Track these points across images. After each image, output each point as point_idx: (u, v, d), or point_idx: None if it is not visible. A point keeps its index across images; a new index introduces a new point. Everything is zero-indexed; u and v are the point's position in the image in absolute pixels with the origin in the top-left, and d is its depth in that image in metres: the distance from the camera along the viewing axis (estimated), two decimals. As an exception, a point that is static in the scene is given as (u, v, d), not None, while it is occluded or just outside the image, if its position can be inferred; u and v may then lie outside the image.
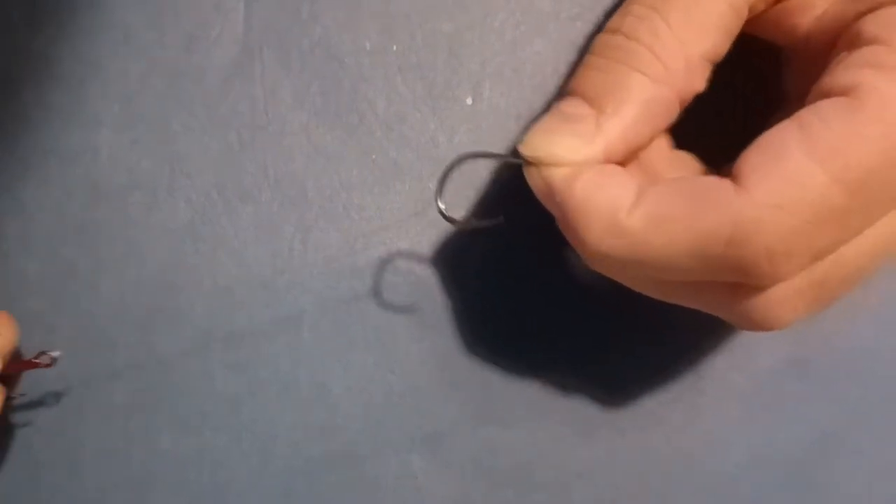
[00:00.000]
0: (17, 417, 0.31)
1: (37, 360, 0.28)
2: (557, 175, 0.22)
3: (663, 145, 0.25)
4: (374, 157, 0.30)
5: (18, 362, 0.28)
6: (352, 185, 0.30)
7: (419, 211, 0.30)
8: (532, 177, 0.23)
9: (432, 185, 0.30)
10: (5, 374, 0.28)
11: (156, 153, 0.31)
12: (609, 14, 0.30)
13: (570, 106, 0.23)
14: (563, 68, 0.30)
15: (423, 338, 0.30)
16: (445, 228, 0.30)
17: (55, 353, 0.28)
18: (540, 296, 0.30)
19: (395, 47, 0.30)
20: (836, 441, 0.30)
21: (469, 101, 0.30)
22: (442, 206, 0.24)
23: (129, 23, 0.30)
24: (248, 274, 0.30)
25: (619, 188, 0.22)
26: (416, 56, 0.30)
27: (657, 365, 0.31)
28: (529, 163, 0.23)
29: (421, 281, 0.30)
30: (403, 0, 0.30)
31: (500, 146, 0.30)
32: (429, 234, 0.30)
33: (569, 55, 0.30)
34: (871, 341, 0.29)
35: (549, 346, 0.30)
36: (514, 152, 0.24)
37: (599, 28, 0.30)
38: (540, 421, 0.31)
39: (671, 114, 0.23)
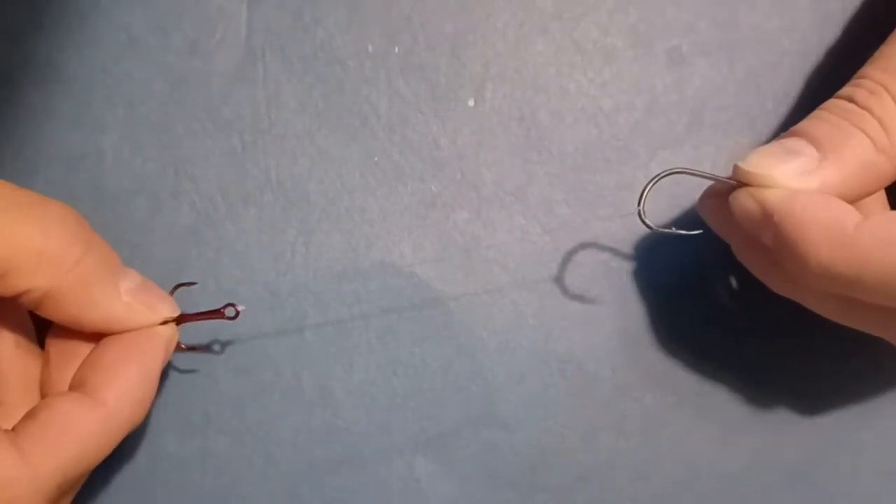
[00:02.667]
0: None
1: (222, 311, 0.28)
2: (774, 194, 0.23)
3: (879, 200, 0.27)
4: (376, 159, 0.30)
5: (203, 312, 0.28)
6: (354, 188, 0.30)
7: (422, 213, 0.30)
8: (742, 198, 0.24)
9: (434, 187, 0.30)
10: (187, 321, 0.27)
11: (160, 157, 0.31)
12: (611, 14, 0.30)
13: (795, 143, 0.24)
14: (565, 69, 0.30)
15: (426, 340, 0.30)
16: (446, 230, 0.30)
17: (241, 307, 0.27)
18: (540, 295, 0.30)
19: (397, 49, 0.30)
20: (838, 441, 0.30)
21: (471, 102, 0.30)
22: (644, 214, 0.25)
23: (134, 28, 0.31)
24: (252, 277, 0.30)
25: (842, 206, 0.23)
26: (418, 58, 0.30)
27: (660, 368, 0.30)
28: (741, 184, 0.24)
29: (423, 283, 0.30)
30: (405, 2, 0.30)
31: (502, 148, 0.30)
32: (431, 236, 0.30)
33: (571, 56, 0.30)
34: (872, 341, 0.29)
35: (551, 348, 0.30)
36: (716, 174, 0.25)
37: (601, 28, 0.30)
38: (543, 423, 0.30)
39: (884, 182, 0.24)
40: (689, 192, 0.30)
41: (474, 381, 0.31)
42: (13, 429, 0.24)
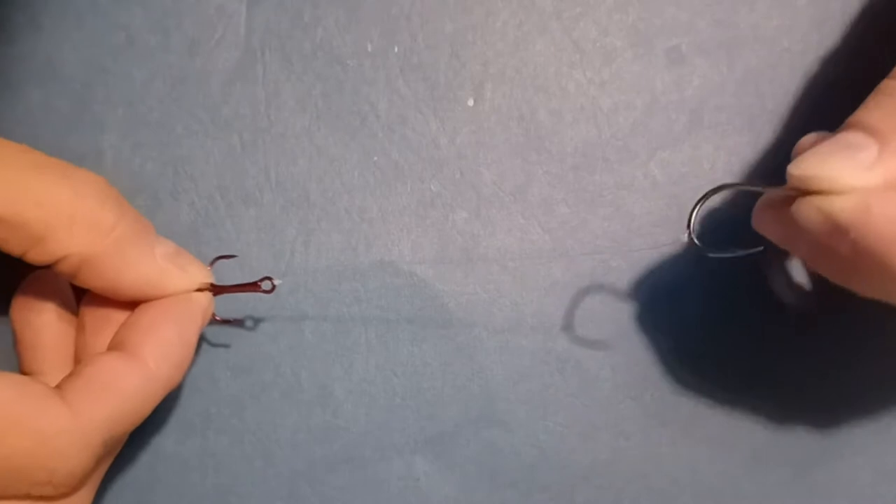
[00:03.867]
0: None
1: (259, 283, 0.28)
2: (845, 205, 0.21)
3: None
4: (375, 158, 0.30)
5: (239, 284, 0.28)
6: (354, 187, 0.30)
7: (421, 212, 0.30)
8: (807, 212, 0.22)
9: (434, 186, 0.30)
10: (223, 292, 0.27)
11: (159, 156, 0.31)
12: (610, 13, 0.30)
13: (850, 136, 0.22)
14: (565, 69, 0.30)
15: (426, 339, 0.30)
16: (446, 229, 0.30)
17: (277, 281, 0.28)
18: (540, 296, 0.30)
19: (396, 49, 0.30)
20: (838, 441, 0.30)
21: (471, 102, 0.30)
22: (694, 236, 0.23)
23: (133, 27, 0.31)
24: (251, 276, 0.30)
25: None
26: (417, 57, 0.30)
27: (659, 367, 0.30)
28: (803, 192, 0.22)
29: (423, 282, 0.30)
30: (405, 2, 0.30)
31: (502, 148, 0.30)
32: (430, 236, 0.30)
33: (571, 55, 0.30)
34: (872, 341, 0.29)
35: (551, 348, 0.30)
36: (767, 184, 0.22)
37: (602, 28, 0.30)
38: (543, 423, 0.30)
39: None
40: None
41: (474, 380, 0.31)
42: (57, 385, 0.24)
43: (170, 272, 0.26)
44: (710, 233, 0.24)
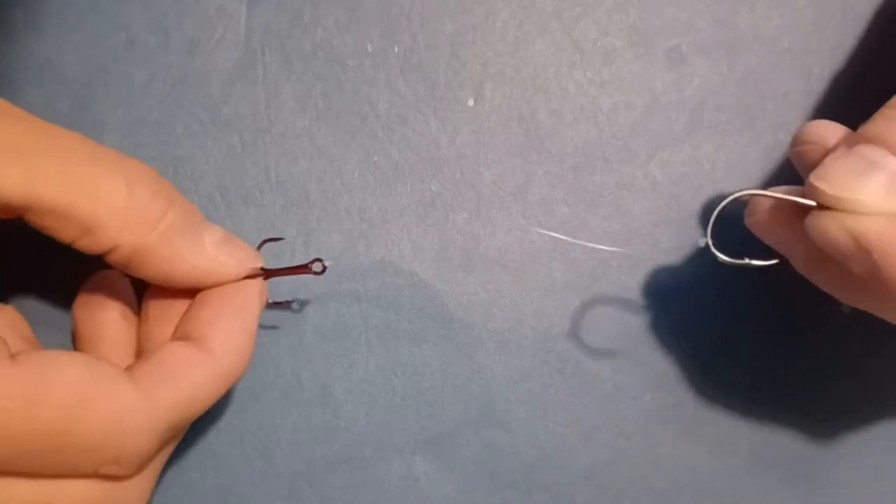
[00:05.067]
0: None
1: (310, 265, 0.27)
2: (872, 227, 0.21)
3: None
4: (376, 158, 0.30)
5: (290, 266, 0.28)
6: (354, 187, 0.30)
7: (421, 212, 0.30)
8: (829, 227, 0.22)
9: (434, 186, 0.30)
10: (274, 275, 0.27)
11: (159, 156, 0.31)
12: (610, 13, 0.30)
13: (873, 152, 0.22)
14: (565, 69, 0.30)
15: (426, 339, 0.30)
16: (446, 229, 0.30)
17: (328, 262, 0.27)
18: (540, 296, 0.30)
19: (396, 49, 0.30)
20: (838, 441, 0.30)
21: (471, 102, 0.30)
22: (712, 244, 0.23)
23: (133, 27, 0.31)
24: (251, 276, 0.30)
25: None
26: (417, 57, 0.30)
27: (659, 367, 0.30)
28: (821, 206, 0.22)
29: (423, 282, 0.30)
30: (405, 2, 0.30)
31: (502, 148, 0.30)
32: (431, 236, 0.30)
33: (571, 55, 0.30)
34: (872, 342, 0.29)
35: (551, 348, 0.30)
36: (787, 192, 0.22)
37: (602, 28, 0.30)
38: (543, 423, 0.30)
39: None
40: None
41: (474, 380, 0.30)
42: (127, 369, 0.24)
43: (220, 260, 0.26)
44: (720, 238, 0.24)
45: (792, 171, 0.30)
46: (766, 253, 0.26)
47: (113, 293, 0.28)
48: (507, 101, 0.30)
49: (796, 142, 0.25)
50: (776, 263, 0.25)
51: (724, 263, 0.24)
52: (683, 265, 0.30)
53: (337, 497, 0.31)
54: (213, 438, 0.31)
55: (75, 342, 0.28)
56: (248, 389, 0.31)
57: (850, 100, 0.30)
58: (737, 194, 0.23)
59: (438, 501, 0.31)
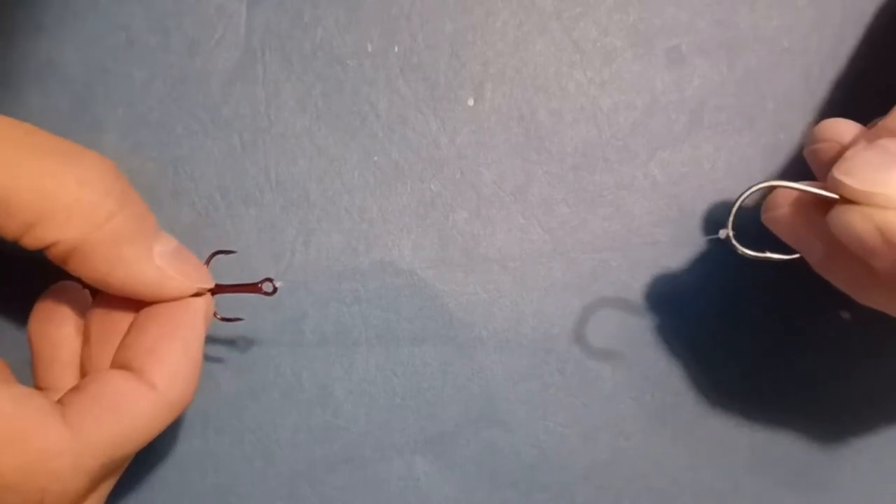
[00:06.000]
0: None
1: (260, 285, 0.26)
2: None
3: None
4: (376, 158, 0.30)
5: (240, 284, 0.26)
6: (354, 187, 0.30)
7: (421, 212, 0.30)
8: (854, 221, 0.21)
9: (434, 186, 0.30)
10: (222, 292, 0.26)
11: (159, 156, 0.31)
12: (610, 13, 0.30)
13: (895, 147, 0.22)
14: (565, 69, 0.30)
15: (426, 339, 0.30)
16: (446, 229, 0.30)
17: (279, 283, 0.26)
18: (540, 296, 0.30)
19: (396, 49, 0.30)
20: (838, 441, 0.30)
21: (471, 101, 0.30)
22: (732, 237, 0.23)
23: (133, 27, 0.31)
24: (251, 276, 0.30)
25: None
26: (417, 57, 0.30)
27: (660, 367, 0.30)
28: (845, 200, 0.21)
29: (423, 282, 0.30)
30: (405, 1, 0.30)
31: (502, 148, 0.30)
32: (430, 236, 0.30)
33: (571, 55, 0.30)
34: (873, 343, 0.29)
35: (551, 348, 0.30)
36: (812, 185, 0.22)
37: (602, 28, 0.30)
38: (543, 423, 0.30)
39: None
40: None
41: (474, 380, 0.30)
42: (59, 400, 0.23)
43: (166, 274, 0.24)
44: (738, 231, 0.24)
45: (793, 171, 0.30)
46: (780, 250, 0.25)
47: (71, 306, 0.26)
48: (507, 101, 0.30)
49: (812, 140, 0.25)
50: (797, 258, 0.25)
51: (744, 256, 0.24)
52: (683, 265, 0.30)
53: (337, 497, 0.31)
54: (213, 438, 0.31)
55: (32, 359, 0.27)
56: (248, 389, 0.31)
57: (850, 99, 0.30)
58: (762, 185, 0.23)
59: (438, 501, 0.31)
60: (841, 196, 0.22)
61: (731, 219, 0.23)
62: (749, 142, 0.30)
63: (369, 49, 0.30)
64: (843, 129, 0.24)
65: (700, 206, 0.30)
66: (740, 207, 0.23)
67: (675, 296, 0.30)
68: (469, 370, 0.30)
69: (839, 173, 0.22)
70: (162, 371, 0.24)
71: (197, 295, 0.26)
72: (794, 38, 0.30)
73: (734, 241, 0.23)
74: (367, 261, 0.30)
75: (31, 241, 0.22)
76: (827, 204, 0.22)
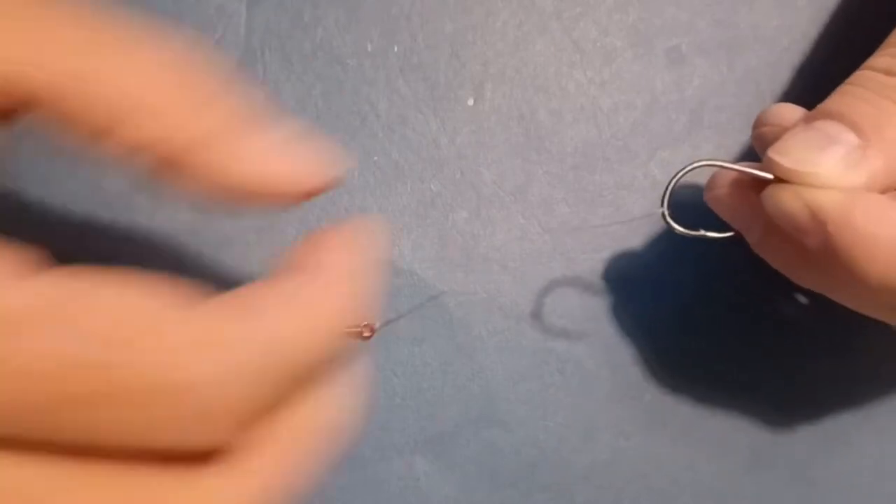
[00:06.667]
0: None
1: (358, 330, 0.22)
2: (828, 199, 0.21)
3: None
4: (375, 158, 0.30)
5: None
6: (354, 187, 0.30)
7: (421, 212, 0.30)
8: (786, 199, 0.22)
9: (434, 186, 0.30)
10: None
11: (159, 156, 0.31)
12: (610, 13, 0.30)
13: (832, 128, 0.22)
14: (565, 69, 0.30)
15: (426, 339, 0.30)
16: (446, 229, 0.30)
17: (376, 325, 0.22)
18: (539, 294, 0.30)
19: (396, 48, 0.30)
20: (838, 441, 0.30)
21: (471, 101, 0.30)
22: (668, 214, 0.23)
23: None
24: (251, 276, 0.30)
25: None
26: (417, 57, 0.30)
27: (660, 366, 0.30)
28: (779, 179, 0.22)
29: (423, 282, 0.30)
30: (405, 1, 0.30)
31: (502, 148, 0.30)
32: (430, 235, 0.30)
33: (571, 55, 0.30)
34: (873, 342, 0.29)
35: (551, 348, 0.30)
36: (746, 164, 0.22)
37: (602, 28, 0.30)
38: (543, 423, 0.30)
39: None
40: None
41: (474, 380, 0.30)
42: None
43: (288, 165, 0.19)
44: (686, 213, 0.24)
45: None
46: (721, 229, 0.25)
47: None
48: (507, 101, 0.30)
49: (757, 124, 0.26)
50: (731, 236, 0.25)
51: (679, 234, 0.24)
52: (684, 265, 0.30)
53: (337, 497, 0.31)
54: (212, 438, 0.31)
55: None
56: (247, 389, 0.31)
57: (850, 100, 0.30)
58: (695, 165, 0.23)
59: (438, 501, 0.31)
60: (776, 176, 0.22)
61: (666, 196, 0.23)
62: (749, 141, 0.30)
63: (369, 49, 0.30)
64: (788, 113, 0.25)
65: (700, 206, 0.30)
66: (679, 182, 0.23)
67: (676, 296, 0.30)
68: (469, 370, 0.30)
69: (773, 153, 0.22)
70: (334, 265, 0.18)
71: None
72: (794, 38, 0.30)
73: (669, 219, 0.23)
74: (367, 261, 0.30)
75: (117, 141, 0.17)
76: (764, 184, 0.23)
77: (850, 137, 0.22)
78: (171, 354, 0.15)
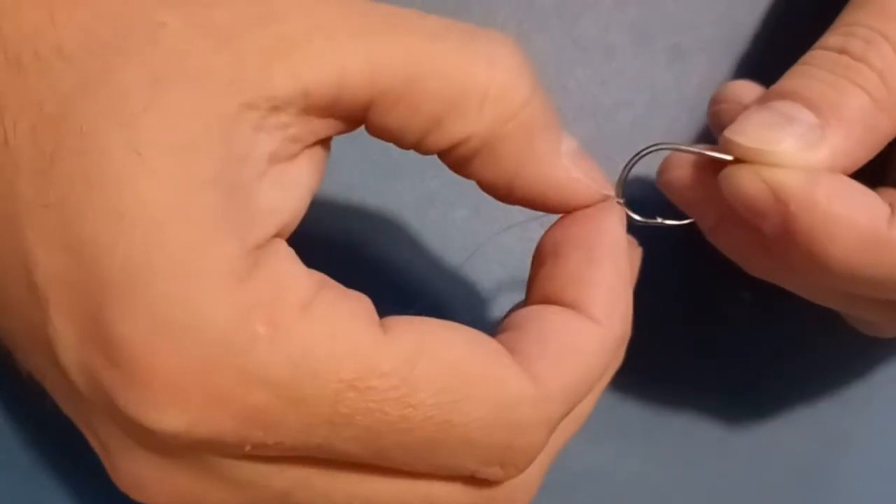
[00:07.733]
0: (18, 416, 0.31)
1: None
2: (791, 178, 0.20)
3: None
4: (375, 157, 0.30)
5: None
6: (354, 186, 0.30)
7: (420, 211, 0.30)
8: (746, 179, 0.21)
9: (434, 184, 0.30)
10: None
11: (157, 155, 0.31)
12: (610, 11, 0.30)
13: (790, 108, 0.21)
14: (565, 66, 0.30)
15: (426, 339, 0.30)
16: (444, 229, 0.30)
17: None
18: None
19: (395, 47, 0.30)
20: (838, 441, 0.30)
21: (471, 100, 0.30)
22: (622, 200, 0.22)
23: (131, 24, 0.31)
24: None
25: (869, 197, 0.20)
26: (417, 55, 0.30)
27: (660, 366, 0.30)
28: (737, 160, 0.21)
29: (423, 282, 0.30)
30: (405, 2, 0.30)
31: (502, 146, 0.30)
32: (430, 234, 0.30)
33: (571, 53, 0.30)
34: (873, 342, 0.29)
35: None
36: (703, 147, 0.22)
37: (601, 25, 0.30)
38: (543, 422, 0.30)
39: (882, 145, 0.22)
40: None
41: (473, 380, 0.30)
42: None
43: (572, 177, 0.20)
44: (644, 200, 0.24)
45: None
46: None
47: None
48: (507, 100, 0.30)
49: (714, 102, 0.25)
50: (689, 223, 0.24)
51: (635, 222, 0.23)
52: (684, 264, 0.30)
53: (336, 497, 0.31)
54: (211, 438, 0.31)
55: None
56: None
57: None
58: (651, 149, 0.22)
59: (438, 501, 0.31)
60: (734, 157, 0.22)
61: (619, 183, 0.22)
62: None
63: (368, 47, 0.30)
64: (745, 90, 0.24)
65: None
66: (632, 168, 0.22)
67: (677, 295, 0.30)
68: (469, 369, 0.30)
69: (730, 133, 0.22)
70: (599, 302, 0.20)
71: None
72: (795, 36, 0.30)
73: (625, 208, 0.22)
74: (366, 260, 0.30)
75: (438, 140, 0.19)
76: (720, 167, 0.22)
77: (808, 116, 0.21)
78: (508, 412, 0.18)
